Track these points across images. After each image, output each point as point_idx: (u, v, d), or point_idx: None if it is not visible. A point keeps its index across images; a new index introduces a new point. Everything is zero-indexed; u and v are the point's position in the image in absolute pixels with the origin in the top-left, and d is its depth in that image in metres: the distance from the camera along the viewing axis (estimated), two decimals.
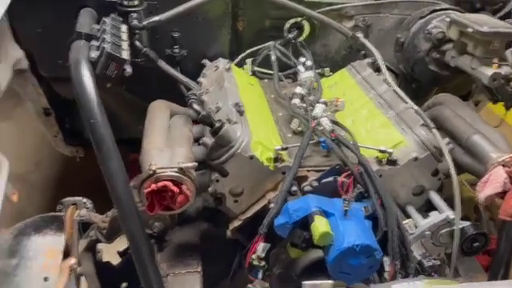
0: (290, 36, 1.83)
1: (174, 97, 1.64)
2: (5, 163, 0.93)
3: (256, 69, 1.83)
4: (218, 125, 1.23)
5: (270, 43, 1.82)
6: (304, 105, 1.51)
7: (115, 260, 1.75)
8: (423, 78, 1.78)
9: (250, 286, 1.34)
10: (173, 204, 1.07)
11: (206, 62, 1.81)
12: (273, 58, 1.77)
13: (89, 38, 1.36)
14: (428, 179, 1.37)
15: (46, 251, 0.73)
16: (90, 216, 1.62)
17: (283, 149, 1.30)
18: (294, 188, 1.28)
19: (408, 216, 1.36)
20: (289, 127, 1.49)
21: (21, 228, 0.75)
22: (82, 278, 1.59)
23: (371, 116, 1.53)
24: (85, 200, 1.68)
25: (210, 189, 1.30)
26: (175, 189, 1.05)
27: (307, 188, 1.30)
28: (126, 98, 1.95)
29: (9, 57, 1.58)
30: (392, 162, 1.33)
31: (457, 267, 1.52)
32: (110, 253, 1.75)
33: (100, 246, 1.70)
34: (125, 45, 1.40)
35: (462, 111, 1.46)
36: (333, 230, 1.17)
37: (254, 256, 1.23)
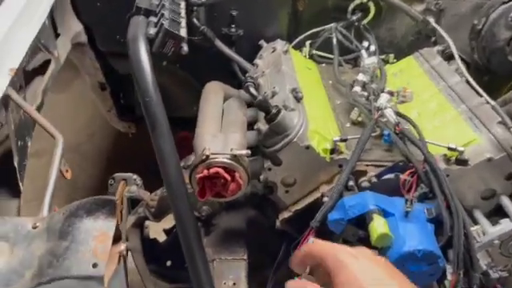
0: (354, 18, 1.72)
1: (227, 77, 1.60)
2: (60, 140, 0.92)
3: (314, 52, 1.74)
4: (274, 111, 1.16)
5: (332, 25, 1.71)
6: (366, 93, 1.41)
7: (161, 237, 1.76)
8: (501, 70, 1.62)
9: (296, 278, 1.29)
10: (224, 191, 1.03)
11: (263, 42, 1.73)
12: (334, 40, 1.67)
13: (148, 13, 1.32)
14: (501, 183, 1.24)
15: (96, 235, 0.71)
16: (140, 193, 1.63)
17: (342, 140, 1.22)
18: (351, 183, 1.20)
19: (475, 221, 1.25)
20: (347, 116, 1.40)
21: (73, 209, 0.73)
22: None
23: (440, 109, 1.40)
24: (135, 177, 1.69)
25: (261, 177, 1.25)
26: (227, 176, 1.01)
27: (365, 184, 1.22)
28: (179, 75, 1.93)
29: (69, 30, 1.59)
30: (462, 162, 1.21)
31: None
32: (157, 230, 1.76)
33: (147, 222, 1.72)
34: (183, 22, 1.35)
35: None
36: (392, 231, 1.08)
37: None
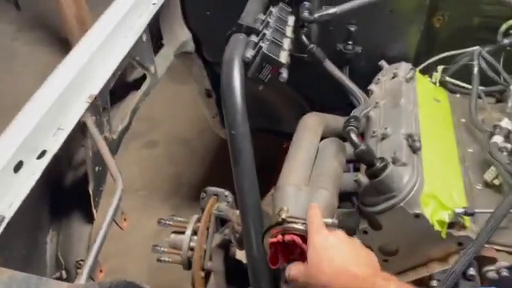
0: (506, 42, 1.35)
1: (337, 98, 1.40)
2: (120, 186, 0.83)
3: (448, 79, 1.42)
4: (379, 165, 0.93)
5: (475, 48, 1.37)
6: (510, 146, 1.09)
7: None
8: None
9: None
10: (301, 260, 0.85)
11: (383, 63, 1.47)
12: (475, 69, 1.33)
13: (249, 31, 1.18)
14: None
15: None
16: (228, 212, 1.55)
17: (467, 214, 0.94)
18: (472, 271, 0.92)
19: None
20: (480, 174, 1.09)
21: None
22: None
23: None
24: (227, 193, 1.62)
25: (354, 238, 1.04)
26: (305, 246, 0.82)
27: (491, 275, 0.93)
28: (285, 90, 1.78)
29: (175, 39, 1.53)
30: None
31: None
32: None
33: None
34: (286, 43, 1.18)
35: None
36: None
37: None
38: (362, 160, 0.96)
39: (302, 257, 0.85)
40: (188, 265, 1.54)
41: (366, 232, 1.02)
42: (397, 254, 1.03)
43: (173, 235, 1.61)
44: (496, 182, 1.05)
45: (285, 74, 1.13)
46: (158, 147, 3.15)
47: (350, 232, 1.02)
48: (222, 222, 1.62)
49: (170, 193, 2.82)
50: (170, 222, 1.69)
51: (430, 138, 1.14)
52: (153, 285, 0.72)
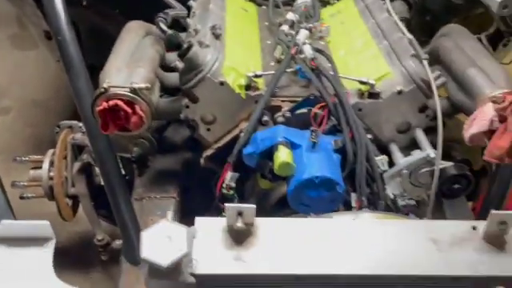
0: None
1: None
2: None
3: None
4: (185, 46, 1.17)
5: None
6: (293, 32, 1.41)
7: None
8: (434, 6, 1.61)
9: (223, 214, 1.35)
10: (127, 124, 1.05)
11: None
12: None
13: None
14: (415, 116, 1.27)
15: None
16: (83, 139, 1.65)
17: (256, 76, 1.24)
18: (266, 118, 1.23)
19: (389, 154, 1.28)
20: (273, 55, 1.41)
21: None
22: None
23: (365, 47, 1.41)
24: (81, 124, 1.71)
25: (181, 115, 1.27)
26: (127, 108, 1.03)
27: (280, 119, 1.24)
28: (121, 21, 1.91)
29: None
30: (374, 95, 1.23)
31: (444, 210, 1.44)
32: None
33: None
34: None
35: (465, 43, 1.31)
36: (296, 161, 1.12)
37: (223, 185, 1.22)
38: (171, 43, 1.18)
39: (128, 121, 1.05)
40: (51, 194, 1.60)
41: (187, 106, 1.26)
42: (215, 121, 1.30)
43: (32, 171, 1.66)
44: (282, 57, 1.37)
45: None
46: (11, 113, 3.04)
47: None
48: (80, 151, 1.71)
49: (30, 153, 2.78)
50: (26, 158, 1.74)
51: (235, 32, 1.42)
52: None
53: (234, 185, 1.22)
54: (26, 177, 1.63)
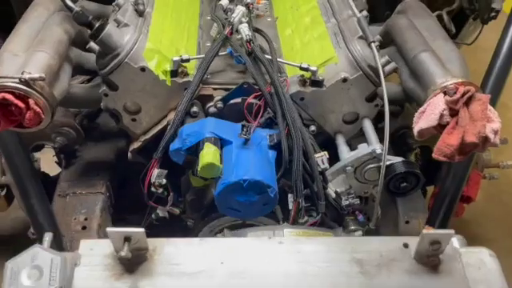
0: None
1: None
2: None
3: None
4: (97, 25, 1.00)
5: None
6: (233, 7, 1.25)
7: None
8: None
9: (158, 211, 1.22)
10: (23, 121, 0.90)
11: None
12: None
13: None
14: (362, 105, 1.14)
15: None
16: None
17: (183, 60, 1.08)
18: (195, 109, 1.09)
19: (336, 146, 1.17)
20: (209, 34, 1.25)
21: None
22: None
23: (312, 25, 1.26)
24: None
25: (101, 104, 1.12)
26: (19, 103, 0.87)
27: (212, 110, 1.10)
28: None
29: None
30: (317, 83, 1.10)
31: (397, 205, 1.35)
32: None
33: (37, 154, 1.59)
34: None
35: (421, 22, 1.18)
36: (224, 160, 0.99)
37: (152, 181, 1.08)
38: (79, 22, 1.01)
39: (22, 115, 0.89)
40: None
41: (106, 95, 1.10)
42: (141, 111, 1.15)
43: None
44: (217, 36, 1.21)
45: None
46: None
47: None
48: None
49: None
50: None
51: (165, 6, 1.25)
52: None
53: (163, 182, 1.09)
54: None
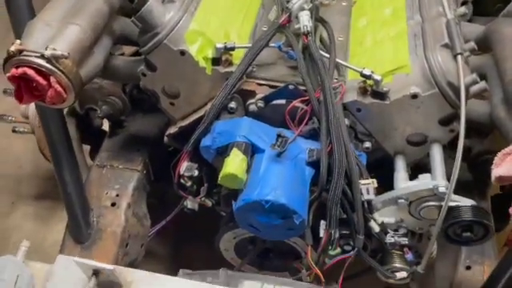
0: None
1: None
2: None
3: None
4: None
5: None
6: None
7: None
8: None
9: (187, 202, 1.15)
10: (45, 98, 0.84)
11: None
12: None
13: None
14: (433, 127, 0.93)
15: None
16: None
17: (227, 48, 0.95)
18: (233, 104, 0.96)
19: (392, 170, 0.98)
20: (268, 18, 1.09)
21: None
22: None
23: (392, 19, 1.05)
24: None
25: (140, 83, 1.04)
26: (41, 79, 0.81)
27: (252, 108, 0.97)
28: None
29: None
30: (379, 95, 0.91)
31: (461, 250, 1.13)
32: None
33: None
34: None
35: None
36: (252, 171, 0.87)
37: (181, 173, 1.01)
38: None
39: (44, 92, 0.84)
40: None
41: (144, 74, 1.02)
42: (179, 96, 1.05)
43: (23, 106, 1.57)
44: (275, 21, 1.05)
45: None
46: None
47: None
48: None
49: None
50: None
51: None
52: None
53: (195, 173, 1.01)
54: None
